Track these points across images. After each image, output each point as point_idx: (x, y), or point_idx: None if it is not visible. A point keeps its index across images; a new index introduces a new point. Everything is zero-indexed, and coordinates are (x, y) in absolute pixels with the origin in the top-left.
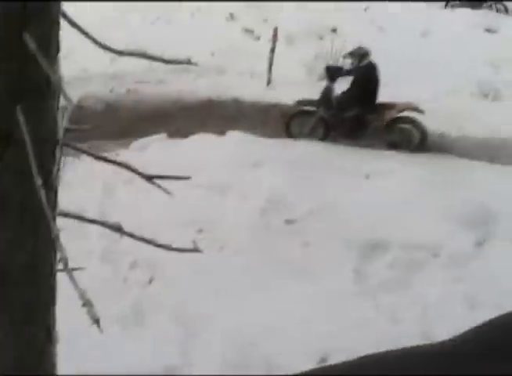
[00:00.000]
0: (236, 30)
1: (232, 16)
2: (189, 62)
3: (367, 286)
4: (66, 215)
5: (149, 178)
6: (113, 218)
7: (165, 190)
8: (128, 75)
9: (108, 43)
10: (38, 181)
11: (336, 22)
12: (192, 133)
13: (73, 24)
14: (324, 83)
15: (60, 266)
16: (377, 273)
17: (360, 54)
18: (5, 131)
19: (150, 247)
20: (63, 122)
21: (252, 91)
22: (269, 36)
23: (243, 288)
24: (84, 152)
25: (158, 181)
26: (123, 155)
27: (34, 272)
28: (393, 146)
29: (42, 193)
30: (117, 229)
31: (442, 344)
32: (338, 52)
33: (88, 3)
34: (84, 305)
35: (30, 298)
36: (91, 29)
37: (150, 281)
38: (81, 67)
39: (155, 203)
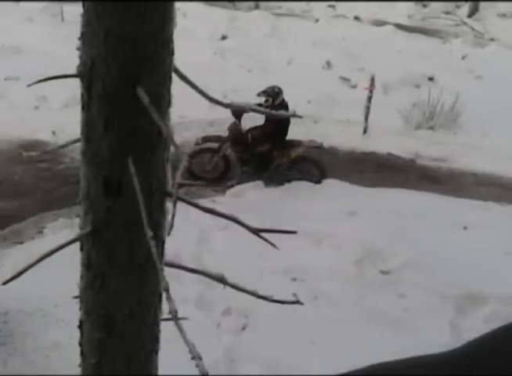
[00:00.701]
0: (332, 79)
1: (328, 64)
2: (294, 114)
3: (463, 340)
4: (171, 265)
5: (257, 232)
6: (208, 265)
7: (271, 244)
8: (226, 122)
9: (206, 90)
10: (149, 232)
11: (432, 69)
12: (288, 181)
13: (183, 78)
14: (421, 132)
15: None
16: (474, 327)
17: (274, 92)
18: (116, 182)
19: (244, 294)
20: (176, 177)
21: (348, 139)
22: (365, 84)
23: (337, 339)
24: (195, 206)
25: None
26: (219, 201)
27: (139, 321)
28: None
29: (152, 245)
30: (220, 279)
31: (446, 354)
32: (435, 100)
33: (187, 49)
34: (192, 358)
35: (133, 348)
36: (191, 75)
37: (243, 328)
38: (179, 114)
39: (250, 249)
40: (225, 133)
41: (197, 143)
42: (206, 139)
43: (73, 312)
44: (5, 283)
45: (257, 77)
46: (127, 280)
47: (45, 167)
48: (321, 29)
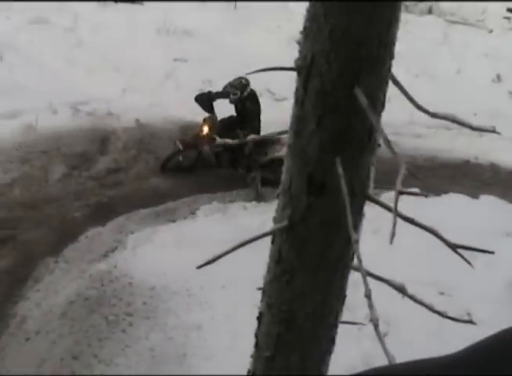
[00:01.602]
0: (501, 93)
1: (498, 78)
2: (493, 130)
3: None
4: (356, 268)
5: (454, 248)
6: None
7: (467, 261)
8: (386, 127)
9: None
10: (354, 235)
11: None
12: (445, 192)
13: (396, 83)
14: None
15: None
16: None
17: (241, 85)
18: (320, 180)
19: (387, 300)
20: (397, 184)
21: (511, 157)
22: None
23: None
24: (389, 209)
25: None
26: (372, 209)
27: (320, 321)
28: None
29: (357, 248)
30: (401, 289)
31: (450, 356)
32: None
33: None
34: None
35: (310, 347)
36: None
37: (384, 335)
38: None
39: (399, 256)
40: (200, 131)
41: (178, 149)
42: (185, 143)
43: (217, 296)
44: (199, 267)
45: (423, 84)
46: (315, 279)
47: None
48: (494, 40)
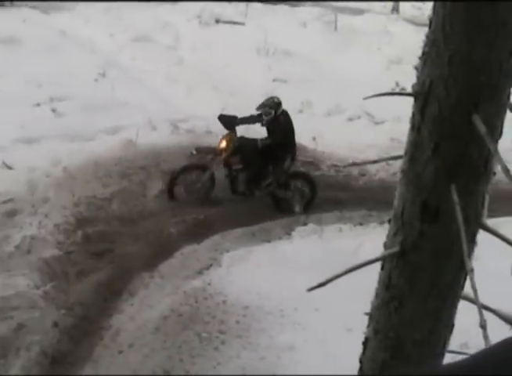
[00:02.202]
0: None
1: None
2: None
3: None
4: (469, 299)
5: None
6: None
7: None
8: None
9: None
10: (469, 264)
11: None
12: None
13: None
14: None
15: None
16: None
17: (274, 104)
18: (434, 207)
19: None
20: None
21: None
22: None
23: None
24: (508, 241)
25: None
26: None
27: (428, 349)
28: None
29: (472, 277)
30: (510, 322)
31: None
32: None
33: None
34: None
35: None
36: None
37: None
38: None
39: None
40: (218, 146)
41: (191, 154)
42: (200, 150)
43: (310, 318)
44: (309, 290)
45: None
46: (424, 306)
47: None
48: None
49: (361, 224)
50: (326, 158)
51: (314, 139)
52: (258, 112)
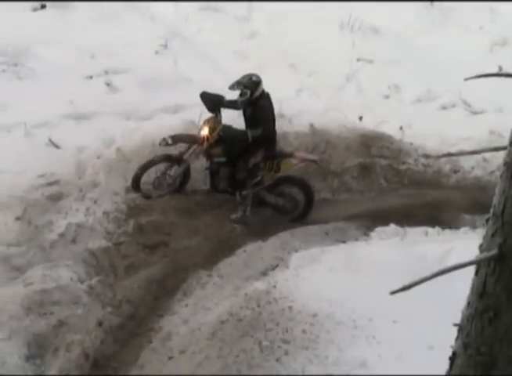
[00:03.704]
0: None
1: None
2: None
3: None
4: None
5: None
6: None
7: None
8: None
9: None
10: None
11: None
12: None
13: None
14: None
15: None
16: None
17: (252, 82)
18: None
19: None
20: None
21: None
22: None
23: None
24: None
25: None
26: None
27: None
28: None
29: None
30: None
31: None
32: None
33: None
34: None
35: None
36: None
37: None
38: None
39: None
40: (199, 132)
41: (166, 144)
42: (177, 139)
43: (387, 331)
44: (392, 293)
45: None
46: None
47: (387, 164)
48: None
49: (450, 227)
50: (413, 151)
51: (401, 128)
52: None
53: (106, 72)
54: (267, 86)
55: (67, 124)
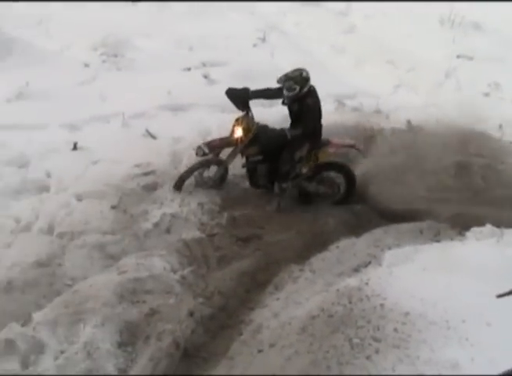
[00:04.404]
0: None
1: None
2: None
3: None
4: None
5: None
6: None
7: None
8: None
9: None
10: None
11: None
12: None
13: None
14: None
15: None
16: None
17: (301, 78)
18: None
19: None
20: None
21: None
22: None
23: None
24: None
25: None
26: None
27: None
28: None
29: None
30: None
31: None
32: None
33: None
34: None
35: None
36: None
37: None
38: None
39: None
40: (231, 134)
41: (203, 154)
42: (212, 146)
43: (481, 333)
44: (498, 297)
45: None
46: None
47: (485, 163)
48: None
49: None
50: None
51: (500, 126)
52: (279, 86)
53: (204, 64)
54: (364, 81)
55: (164, 115)
